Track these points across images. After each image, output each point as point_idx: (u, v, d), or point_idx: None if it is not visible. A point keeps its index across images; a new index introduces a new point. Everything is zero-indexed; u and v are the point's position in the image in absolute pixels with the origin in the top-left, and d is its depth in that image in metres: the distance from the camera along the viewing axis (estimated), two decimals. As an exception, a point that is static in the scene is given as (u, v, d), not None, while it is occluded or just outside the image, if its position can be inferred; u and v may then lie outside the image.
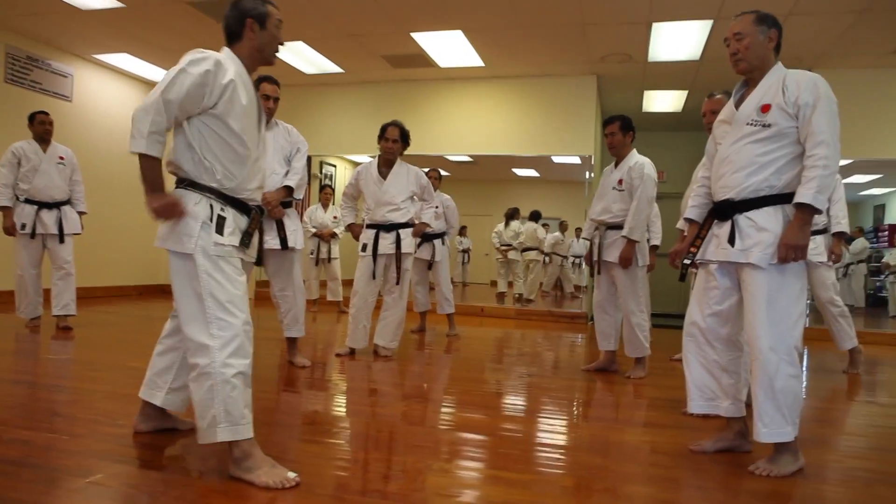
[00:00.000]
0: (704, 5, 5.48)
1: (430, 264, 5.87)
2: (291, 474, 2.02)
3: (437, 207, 5.77)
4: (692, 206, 2.71)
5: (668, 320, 7.52)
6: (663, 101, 8.58)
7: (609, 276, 4.20)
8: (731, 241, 2.36)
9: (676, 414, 3.23)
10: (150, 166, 2.02)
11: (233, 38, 2.24)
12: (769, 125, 2.31)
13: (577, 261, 10.11)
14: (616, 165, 4.20)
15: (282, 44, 2.30)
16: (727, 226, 2.41)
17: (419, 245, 5.80)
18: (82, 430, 2.49)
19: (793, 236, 2.23)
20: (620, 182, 4.09)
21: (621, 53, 6.83)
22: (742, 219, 2.36)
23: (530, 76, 7.85)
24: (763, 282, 2.29)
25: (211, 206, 2.10)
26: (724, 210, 2.43)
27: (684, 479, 2.34)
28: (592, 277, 4.26)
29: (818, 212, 2.23)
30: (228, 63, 2.13)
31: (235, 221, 2.16)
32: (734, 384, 2.52)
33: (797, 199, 2.22)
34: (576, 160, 8.10)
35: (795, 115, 2.28)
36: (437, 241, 5.84)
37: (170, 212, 2.04)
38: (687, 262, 2.58)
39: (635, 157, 4.14)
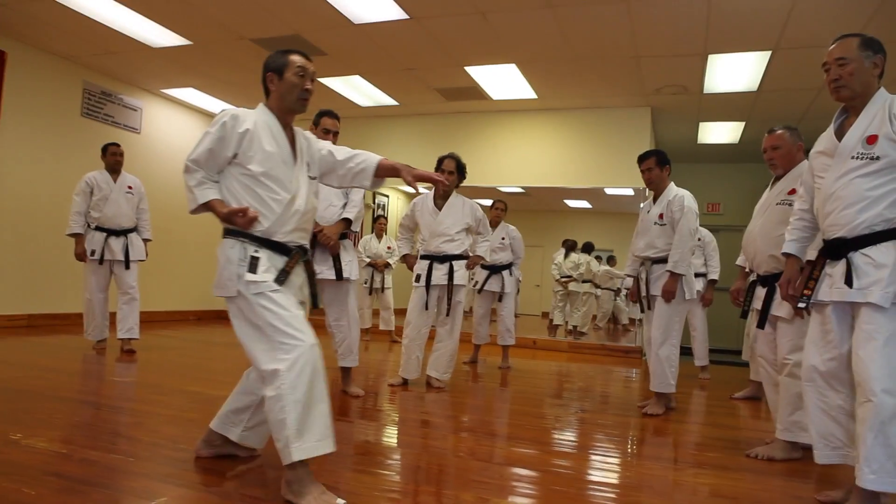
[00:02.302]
0: (762, 36, 5.41)
1: (500, 296, 5.90)
2: (340, 501, 2.04)
3: (503, 239, 5.86)
4: (790, 239, 2.62)
5: (727, 356, 7.30)
6: (719, 132, 8.45)
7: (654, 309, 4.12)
8: (849, 281, 2.24)
9: (738, 455, 3.12)
10: (215, 210, 2.25)
11: (266, 93, 2.40)
12: (877, 157, 2.21)
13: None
14: (654, 200, 4.14)
15: (307, 90, 2.38)
16: (841, 265, 2.30)
17: (487, 278, 5.86)
18: (145, 453, 2.57)
19: None
20: (661, 216, 4.04)
21: (676, 85, 6.78)
22: (858, 256, 2.25)
23: (583, 108, 7.85)
24: (883, 322, 2.15)
25: (245, 248, 2.21)
26: (837, 248, 2.32)
27: (748, 524, 2.25)
28: (643, 312, 4.18)
29: None
30: (249, 115, 2.30)
31: (271, 261, 2.23)
32: None
33: None
34: (629, 192, 8.02)
35: None
36: (506, 273, 5.88)
37: (234, 218, 2.20)
38: (802, 305, 2.46)
39: (674, 191, 4.08)
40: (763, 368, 3.31)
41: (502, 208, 6.07)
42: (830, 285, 2.33)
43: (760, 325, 3.20)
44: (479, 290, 5.97)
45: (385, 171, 2.55)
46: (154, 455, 2.55)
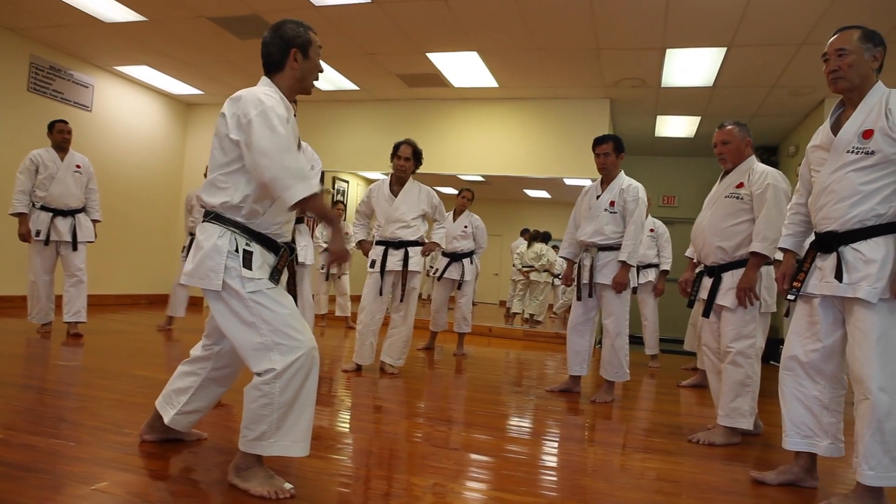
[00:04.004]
0: (718, 33, 5.52)
1: (459, 284, 5.92)
2: (287, 486, 2.03)
3: (466, 227, 5.89)
4: (787, 234, 2.62)
5: (677, 346, 7.47)
6: (676, 126, 8.61)
7: (596, 297, 4.18)
8: (839, 275, 2.25)
9: (681, 440, 3.21)
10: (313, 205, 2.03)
11: (273, 68, 2.17)
12: (872, 152, 2.21)
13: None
14: (603, 186, 4.18)
15: (321, 71, 2.21)
16: (831, 258, 2.30)
17: (448, 265, 5.87)
18: (88, 438, 2.51)
19: None
20: (612, 204, 4.08)
21: (635, 78, 6.87)
22: (848, 251, 2.26)
23: (544, 98, 7.90)
24: (874, 318, 2.17)
25: (236, 239, 2.05)
26: (828, 242, 2.32)
27: (688, 507, 2.32)
28: (581, 300, 4.21)
29: None
30: (273, 99, 2.06)
31: (263, 257, 2.10)
32: (836, 423, 2.41)
33: None
34: (587, 182, 8.10)
35: None
36: (466, 261, 5.90)
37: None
38: (791, 297, 2.49)
39: (626, 180, 4.13)
40: (706, 357, 3.41)
41: (469, 197, 6.10)
42: (820, 278, 2.35)
43: (705, 315, 3.29)
44: (439, 278, 5.98)
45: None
46: (98, 440, 2.49)
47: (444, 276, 5.94)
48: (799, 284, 2.44)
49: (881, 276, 2.16)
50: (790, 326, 2.54)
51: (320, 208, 2.07)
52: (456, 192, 6.26)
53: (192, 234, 5.97)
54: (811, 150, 2.50)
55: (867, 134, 2.22)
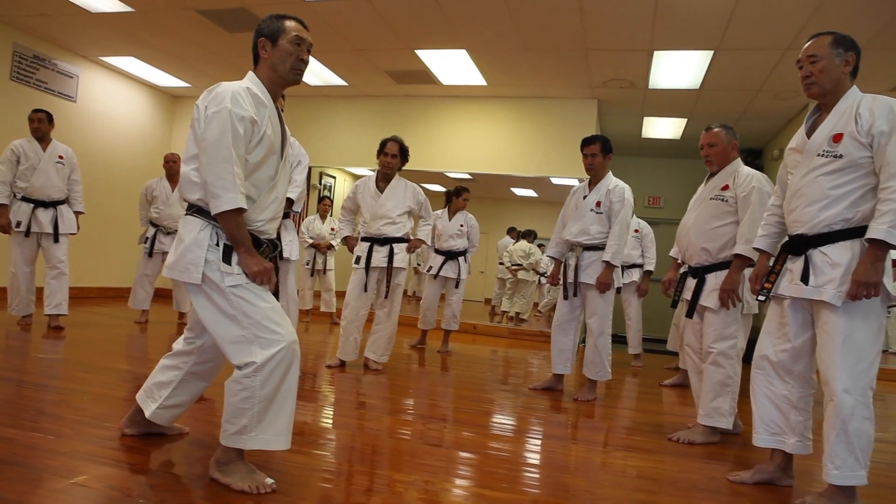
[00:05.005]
0: (705, 36, 5.56)
1: (456, 283, 5.91)
2: (269, 480, 2.03)
3: (461, 226, 5.89)
4: (762, 235, 2.66)
5: (660, 346, 7.53)
6: (662, 127, 8.66)
7: (580, 296, 4.20)
8: (805, 277, 2.29)
9: (662, 439, 3.24)
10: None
11: (255, 61, 2.22)
12: (840, 156, 2.24)
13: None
14: (591, 187, 4.20)
15: (303, 60, 2.19)
16: (801, 261, 2.35)
17: (443, 264, 5.87)
18: (68, 431, 2.49)
19: (864, 273, 2.13)
20: (598, 204, 4.10)
21: (622, 79, 6.91)
22: (816, 254, 2.30)
23: (532, 97, 7.92)
24: (839, 321, 2.20)
25: (217, 233, 2.06)
26: (798, 245, 2.38)
27: (667, 505, 2.34)
28: (567, 299, 4.23)
29: (893, 247, 2.13)
30: (242, 95, 2.05)
31: None
32: (803, 422, 2.45)
33: (869, 234, 2.13)
34: (574, 182, 8.14)
35: (869, 144, 2.20)
36: (461, 259, 5.91)
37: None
38: (762, 298, 2.53)
39: (613, 181, 4.15)
40: (688, 357, 3.44)
41: (468, 198, 6.09)
42: (790, 280, 2.39)
43: (689, 315, 3.32)
44: (435, 276, 5.97)
45: None
46: (78, 433, 2.47)
47: (440, 274, 5.93)
48: (770, 286, 2.49)
49: (846, 280, 2.20)
50: (763, 327, 2.59)
51: (233, 227, 2.01)
52: (443, 189, 6.26)
53: (155, 225, 5.95)
54: (788, 153, 2.54)
55: (837, 138, 2.27)
